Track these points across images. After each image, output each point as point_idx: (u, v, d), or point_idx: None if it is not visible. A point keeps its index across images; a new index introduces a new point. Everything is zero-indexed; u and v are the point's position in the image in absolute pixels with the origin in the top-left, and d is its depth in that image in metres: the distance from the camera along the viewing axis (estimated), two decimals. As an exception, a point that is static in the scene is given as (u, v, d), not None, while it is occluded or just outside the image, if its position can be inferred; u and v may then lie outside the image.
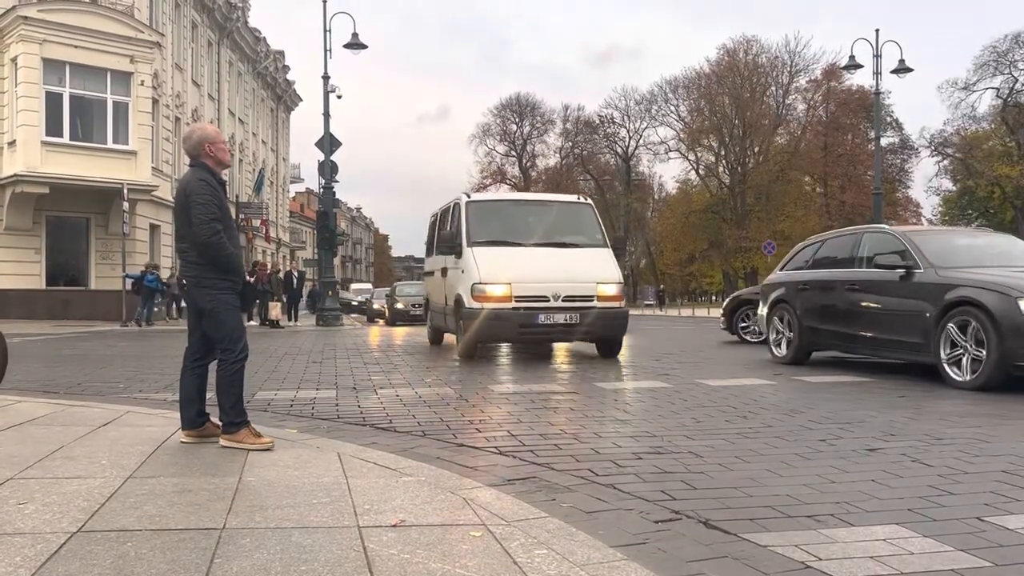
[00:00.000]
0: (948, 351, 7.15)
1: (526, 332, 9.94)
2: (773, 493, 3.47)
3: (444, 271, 11.36)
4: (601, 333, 10.30)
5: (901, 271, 7.83)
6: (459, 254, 10.42)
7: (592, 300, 10.01)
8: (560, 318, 9.84)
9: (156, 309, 22.19)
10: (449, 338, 13.11)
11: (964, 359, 7.01)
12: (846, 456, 4.23)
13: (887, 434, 4.85)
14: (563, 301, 9.86)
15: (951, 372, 7.12)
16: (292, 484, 3.39)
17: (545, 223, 11.03)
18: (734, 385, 7.33)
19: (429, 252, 13.45)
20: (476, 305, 9.84)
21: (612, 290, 10.20)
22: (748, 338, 14.18)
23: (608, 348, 10.74)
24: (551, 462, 4.09)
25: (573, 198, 11.97)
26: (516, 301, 9.79)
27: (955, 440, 4.62)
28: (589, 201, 11.72)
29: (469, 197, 11.15)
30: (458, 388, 7.30)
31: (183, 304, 21.83)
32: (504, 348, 12.39)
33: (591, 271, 10.22)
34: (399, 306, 27.95)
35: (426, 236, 14.00)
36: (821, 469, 3.90)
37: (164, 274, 24.15)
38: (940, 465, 3.98)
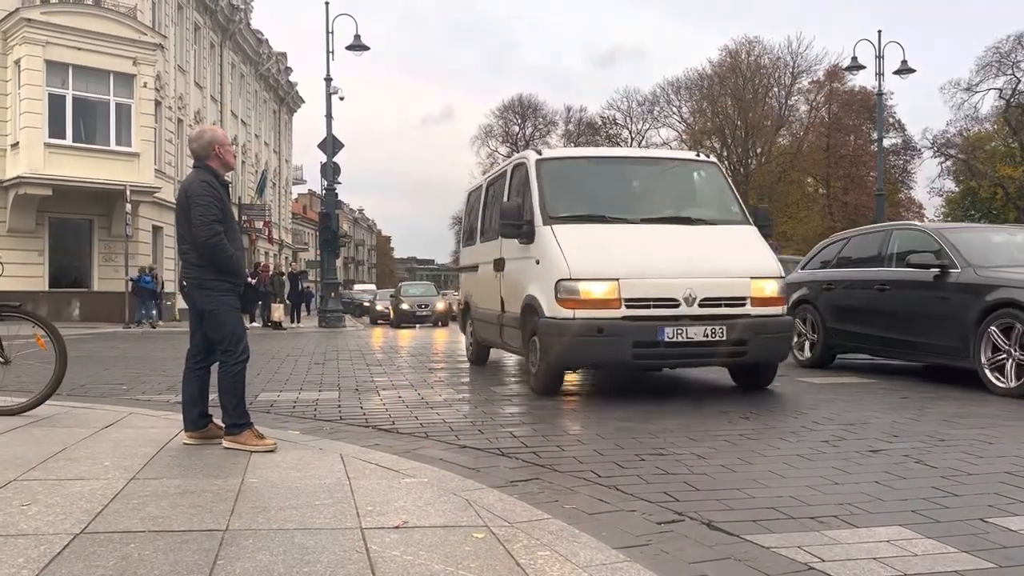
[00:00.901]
0: (989, 355, 6.73)
1: (644, 354, 6.33)
2: (776, 494, 3.46)
3: (499, 263, 8.00)
4: (759, 355, 6.66)
5: (936, 270, 7.37)
6: (529, 237, 7.01)
7: (744, 304, 6.53)
8: (697, 332, 6.28)
9: (154, 311, 22.19)
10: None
11: (1008, 364, 6.59)
12: (849, 457, 4.22)
13: (890, 435, 4.84)
14: (701, 306, 6.38)
15: (993, 378, 6.70)
16: (295, 485, 3.39)
17: (656, 190, 7.80)
18: (736, 386, 7.32)
19: (469, 239, 10.01)
20: (563, 313, 6.34)
21: (773, 288, 6.71)
22: None
23: (761, 375, 7.08)
24: (554, 464, 4.09)
25: (691, 155, 8.51)
26: (627, 306, 6.29)
27: (958, 441, 4.61)
28: (713, 159, 8.23)
29: (540, 154, 7.66)
30: (460, 389, 7.30)
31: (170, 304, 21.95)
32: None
33: (739, 260, 6.82)
34: (404, 307, 27.35)
35: (463, 220, 10.78)
36: (824, 470, 3.89)
37: (168, 276, 24.23)
38: (943, 466, 3.97)
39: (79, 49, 22.29)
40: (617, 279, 6.35)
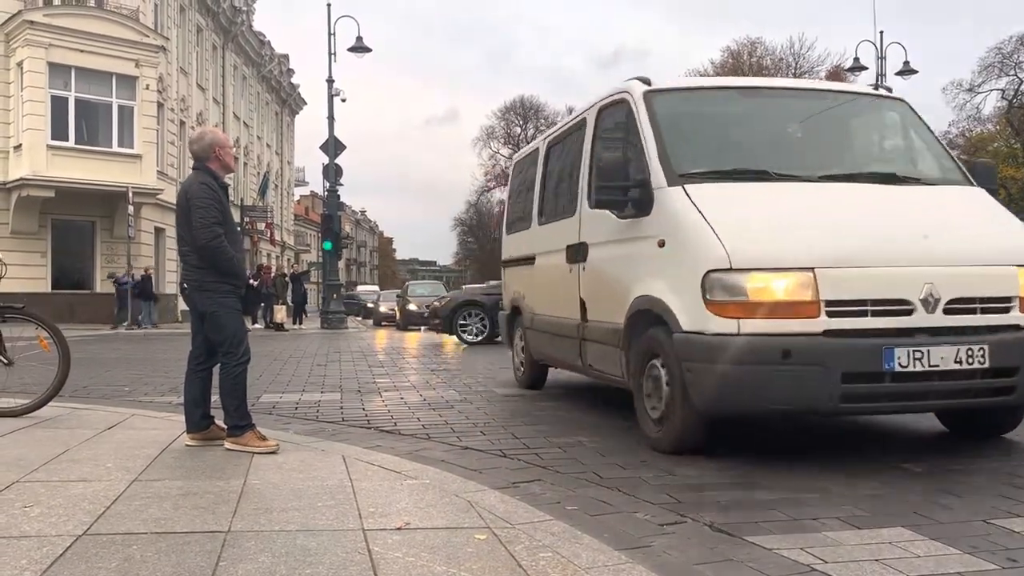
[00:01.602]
0: None
1: (859, 394, 3.91)
2: (778, 496, 3.46)
3: (576, 251, 5.59)
4: None
5: None
6: (642, 206, 4.63)
7: (1010, 307, 4.11)
8: (946, 356, 3.89)
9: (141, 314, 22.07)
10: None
11: None
12: (852, 459, 4.21)
13: (893, 436, 4.83)
14: (946, 312, 4.00)
15: None
16: (297, 487, 3.39)
17: (830, 136, 5.34)
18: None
19: (519, 223, 7.42)
20: (717, 325, 3.99)
21: None
22: (467, 338, 14.72)
23: (1006, 418, 4.59)
24: (556, 465, 4.09)
25: (866, 88, 6.13)
26: (830, 314, 3.90)
27: (962, 442, 4.60)
28: (902, 97, 5.65)
29: (649, 84, 5.09)
30: (462, 391, 7.30)
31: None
32: (500, 345, 12.26)
33: (993, 238, 4.39)
34: (412, 308, 24.96)
35: (507, 201, 8.59)
36: (827, 472, 3.89)
37: (171, 278, 24.25)
38: (946, 468, 3.96)
39: (81, 51, 22.35)
40: (812, 268, 3.88)
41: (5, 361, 5.29)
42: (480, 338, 14.71)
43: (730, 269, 3.95)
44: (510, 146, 69.91)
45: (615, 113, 5.32)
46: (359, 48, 24.32)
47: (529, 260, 6.94)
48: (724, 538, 2.88)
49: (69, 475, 3.57)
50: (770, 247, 4.01)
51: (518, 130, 69.79)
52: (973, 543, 2.79)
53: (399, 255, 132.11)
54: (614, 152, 5.12)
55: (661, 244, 4.39)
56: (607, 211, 4.93)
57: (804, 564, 2.59)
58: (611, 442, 4.72)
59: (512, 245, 7.75)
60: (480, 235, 79.40)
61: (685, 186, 4.38)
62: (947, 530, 2.93)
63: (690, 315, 4.10)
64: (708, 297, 4.00)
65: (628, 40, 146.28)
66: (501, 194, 71.18)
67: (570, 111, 65.66)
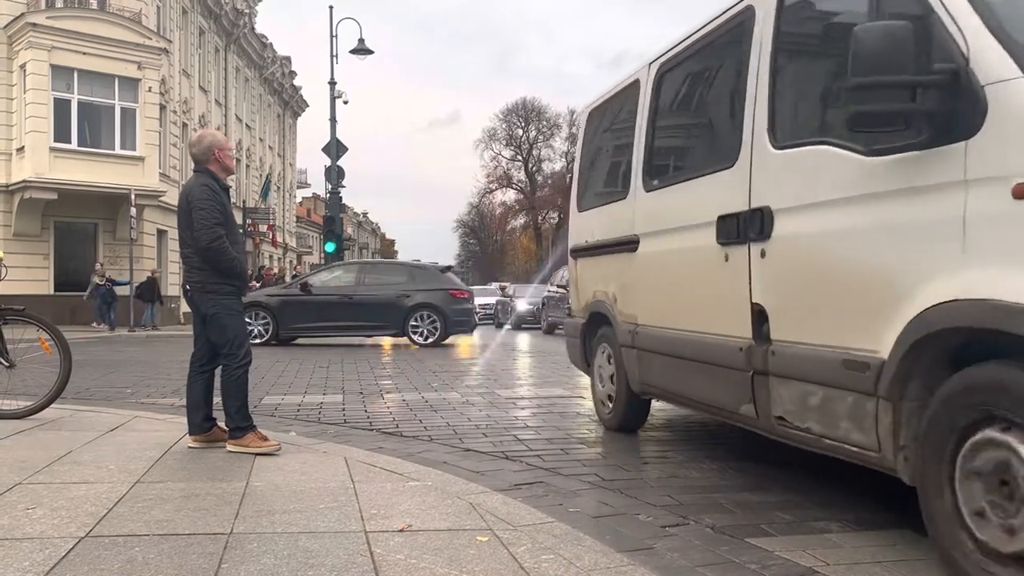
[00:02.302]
0: None
1: None
2: (781, 498, 3.46)
3: (749, 224, 3.46)
4: None
5: None
6: (949, 123, 2.42)
7: None
8: None
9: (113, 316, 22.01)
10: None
11: None
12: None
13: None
14: None
15: None
16: (299, 489, 3.39)
17: None
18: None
19: (610, 191, 5.45)
20: None
21: None
22: (418, 340, 14.75)
23: None
24: (558, 467, 4.09)
25: None
26: None
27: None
28: None
29: None
30: (464, 393, 7.30)
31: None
32: (502, 348, 12.31)
33: None
34: None
35: (578, 168, 6.12)
36: (829, 474, 3.88)
37: (172, 279, 24.25)
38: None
39: (84, 54, 22.37)
40: None
41: (7, 363, 5.30)
42: (430, 340, 14.72)
43: None
44: (512, 147, 69.95)
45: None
46: (361, 50, 24.34)
47: (626, 245, 4.79)
48: (726, 540, 2.88)
49: (71, 477, 3.58)
50: None
51: (520, 132, 69.79)
52: (975, 545, 2.78)
53: (401, 257, 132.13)
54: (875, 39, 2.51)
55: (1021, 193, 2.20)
56: (837, 148, 2.92)
57: (806, 566, 2.59)
58: (613, 444, 4.72)
59: (589, 226, 5.57)
60: (482, 236, 79.44)
61: None
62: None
63: None
64: None
65: (633, 43, 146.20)
66: (503, 195, 71.36)
67: (571, 112, 63.73)
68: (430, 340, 14.75)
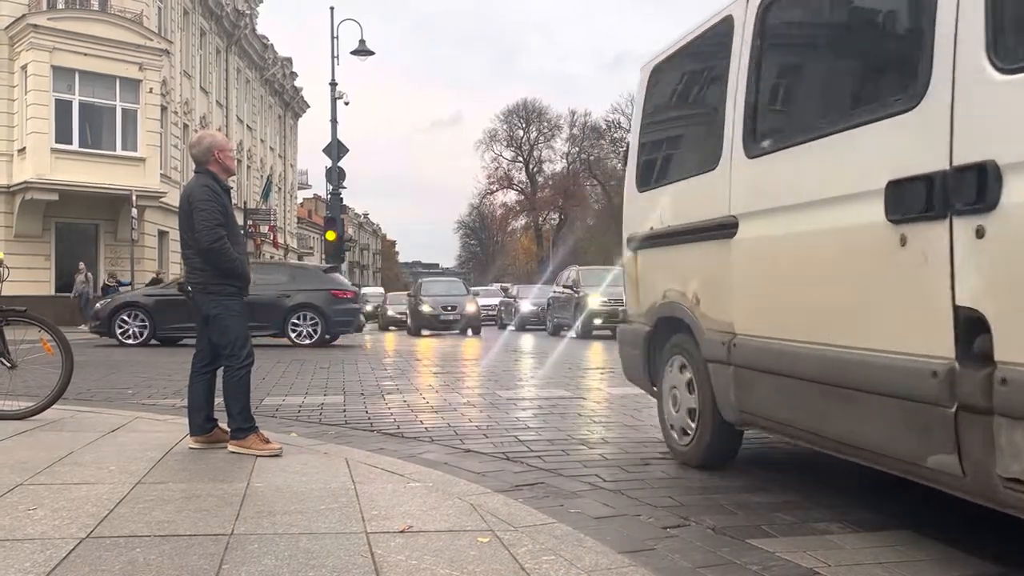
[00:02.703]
0: None
1: None
2: (782, 499, 3.45)
3: (962, 188, 2.33)
4: None
5: None
6: None
7: None
8: None
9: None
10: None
11: None
12: (855, 461, 4.20)
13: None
14: None
15: None
16: (300, 490, 3.39)
17: None
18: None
19: (686, 161, 4.43)
20: None
21: None
22: (127, 341, 14.70)
23: None
24: (559, 468, 4.09)
25: None
26: None
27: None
28: None
29: None
30: (466, 393, 7.31)
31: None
32: (507, 350, 12.30)
33: None
34: (426, 309, 22.24)
35: (637, 142, 4.85)
36: (830, 475, 3.88)
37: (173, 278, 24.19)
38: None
39: (85, 55, 22.40)
40: None
41: (8, 364, 5.30)
42: (309, 341, 14.77)
43: None
44: (512, 148, 69.96)
45: None
46: (362, 51, 24.35)
47: (716, 231, 3.73)
48: (727, 541, 2.87)
49: (73, 478, 3.58)
50: None
51: (520, 133, 69.83)
52: (976, 544, 2.78)
53: (402, 258, 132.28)
54: None
55: None
56: None
57: (807, 568, 2.59)
58: (614, 445, 4.72)
59: (655, 209, 4.44)
60: (483, 237, 79.45)
61: None
62: (950, 532, 2.93)
63: None
64: None
65: (636, 44, 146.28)
66: (503, 196, 71.38)
67: (572, 114, 63.47)
68: (310, 341, 14.77)
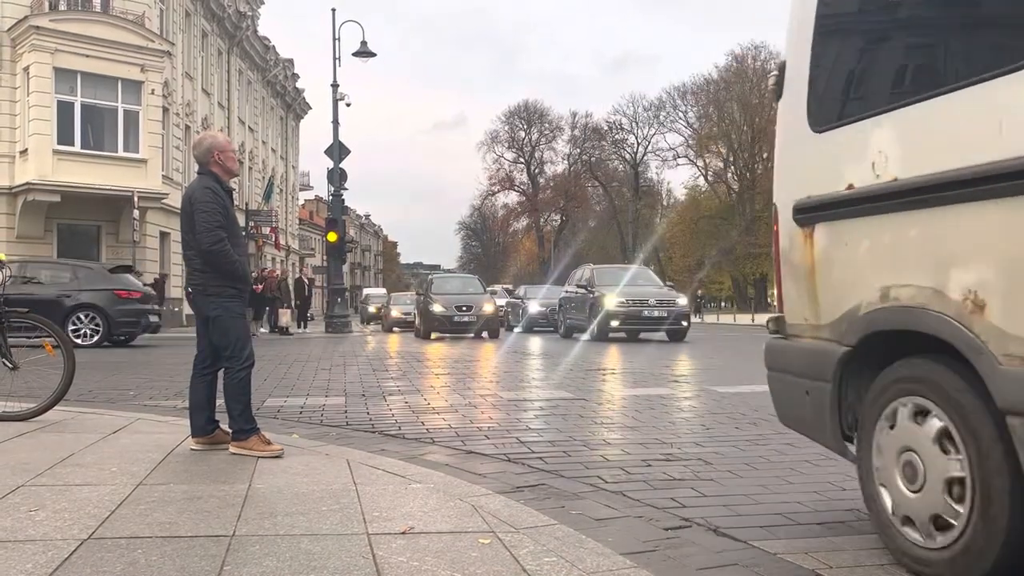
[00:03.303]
0: None
1: None
2: (783, 500, 3.45)
3: None
4: None
5: None
6: None
7: None
8: None
9: None
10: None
11: None
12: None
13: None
14: None
15: None
16: (301, 491, 3.39)
17: None
18: (744, 392, 7.30)
19: (920, 80, 2.58)
20: None
21: None
22: (79, 341, 14.41)
23: None
24: (560, 469, 4.08)
25: None
26: None
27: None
28: None
29: None
30: (467, 395, 7.31)
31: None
32: (509, 351, 12.29)
33: None
34: (437, 309, 19.59)
35: (808, 33, 2.96)
36: (832, 476, 3.88)
37: (176, 282, 24.24)
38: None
39: (87, 56, 22.43)
40: None
41: (10, 365, 5.31)
42: (90, 342, 14.61)
43: None
44: (514, 150, 70.00)
45: None
46: (363, 53, 24.41)
47: (1009, 182, 2.11)
48: (728, 543, 2.87)
49: (74, 479, 3.58)
50: None
51: (522, 134, 69.89)
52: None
53: (403, 259, 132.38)
54: None
55: None
56: None
57: (808, 569, 2.59)
58: (615, 447, 4.72)
59: (865, 151, 2.70)
60: (484, 238, 79.42)
61: None
62: (953, 535, 2.92)
63: None
64: None
65: (637, 45, 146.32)
66: (505, 198, 71.38)
67: (573, 115, 64.03)
68: (90, 342, 14.63)
